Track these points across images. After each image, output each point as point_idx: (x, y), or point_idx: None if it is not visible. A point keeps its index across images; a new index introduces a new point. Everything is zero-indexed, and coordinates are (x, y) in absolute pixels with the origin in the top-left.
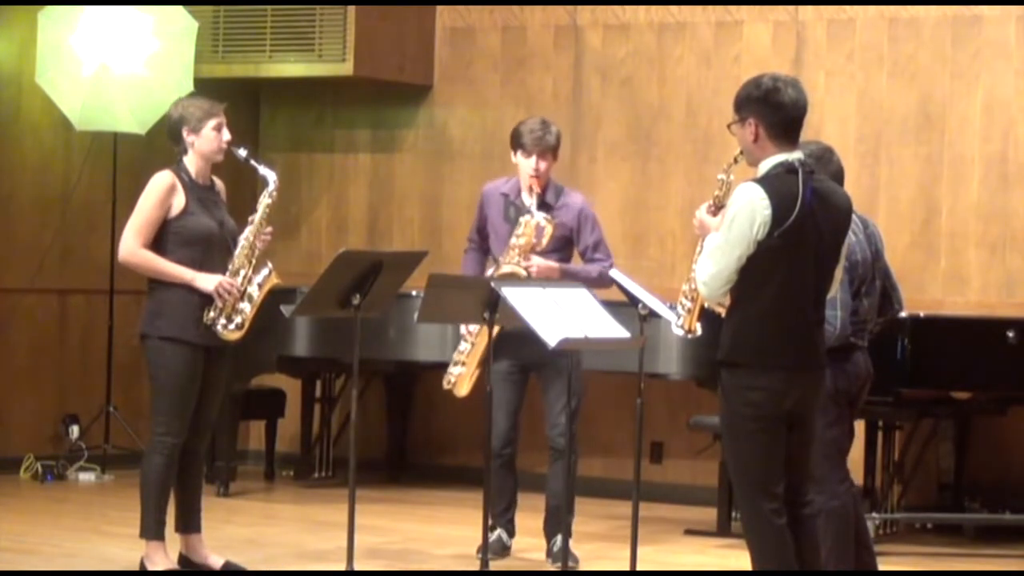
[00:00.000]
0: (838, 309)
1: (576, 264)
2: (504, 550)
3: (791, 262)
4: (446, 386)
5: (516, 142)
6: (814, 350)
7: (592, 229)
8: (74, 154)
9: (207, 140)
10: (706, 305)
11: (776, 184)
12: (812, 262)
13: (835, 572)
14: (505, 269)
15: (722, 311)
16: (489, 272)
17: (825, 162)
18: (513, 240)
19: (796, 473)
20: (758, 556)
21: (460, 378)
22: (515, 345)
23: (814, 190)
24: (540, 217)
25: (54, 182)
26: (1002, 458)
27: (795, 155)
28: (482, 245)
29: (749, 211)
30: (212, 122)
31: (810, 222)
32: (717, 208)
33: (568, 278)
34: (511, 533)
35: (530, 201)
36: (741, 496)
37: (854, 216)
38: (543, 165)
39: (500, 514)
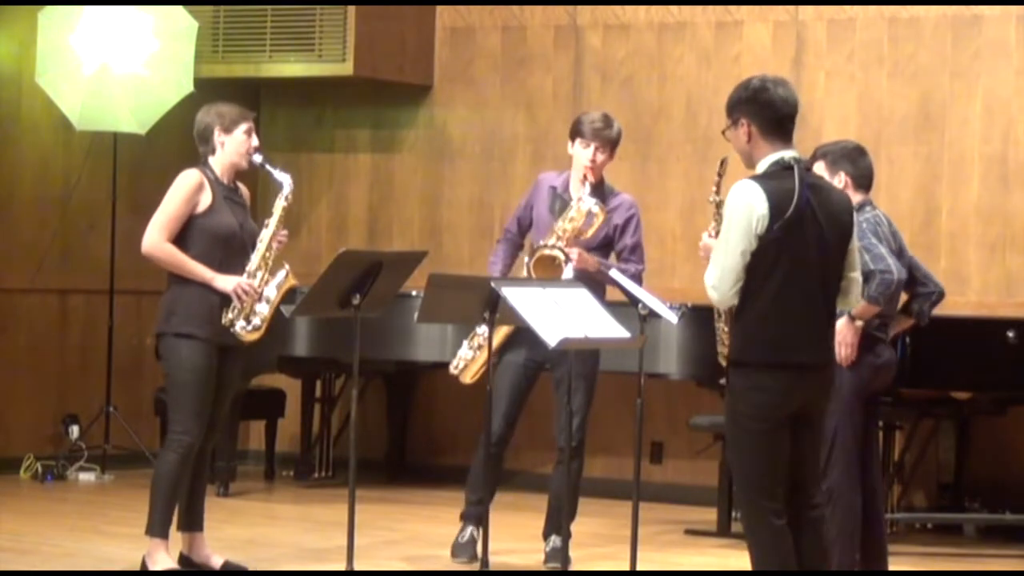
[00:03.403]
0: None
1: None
2: (475, 551)
3: (793, 255)
4: (453, 370)
5: (575, 130)
6: (823, 347)
7: (634, 232)
8: (74, 154)
9: (237, 142)
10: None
11: (772, 180)
12: (817, 256)
13: (835, 572)
14: (546, 252)
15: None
16: (527, 259)
17: (852, 160)
18: (559, 223)
19: (804, 474)
20: (757, 556)
21: (469, 364)
22: (534, 339)
23: (811, 185)
24: (591, 203)
25: (54, 182)
26: (1002, 458)
27: (790, 153)
28: (516, 238)
29: (746, 207)
30: (244, 125)
31: (809, 214)
32: (718, 233)
33: (604, 276)
34: (483, 528)
35: (581, 191)
36: (742, 496)
37: (877, 212)
38: (600, 157)
39: (473, 504)
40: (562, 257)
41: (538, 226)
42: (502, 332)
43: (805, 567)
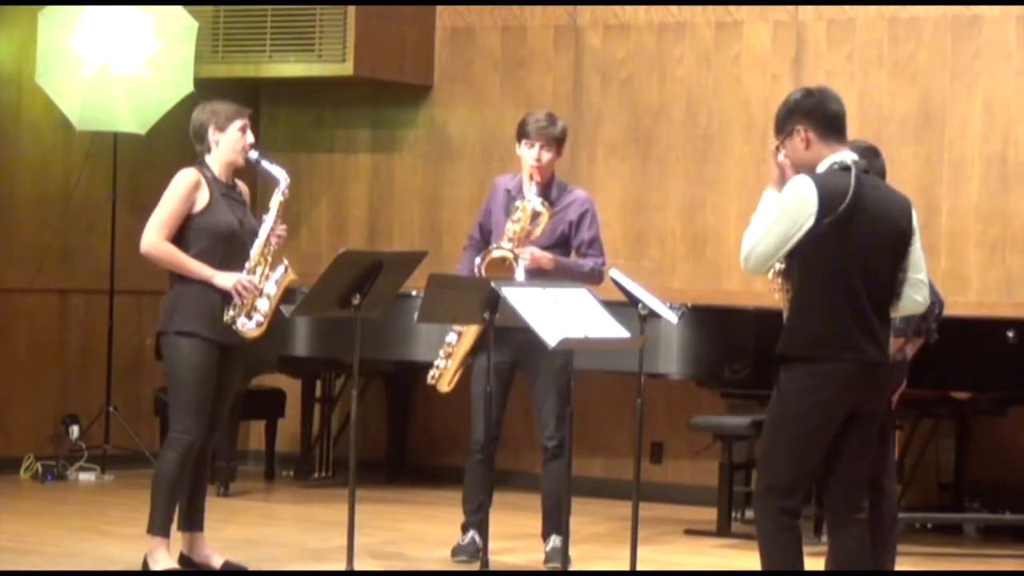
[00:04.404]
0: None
1: (571, 258)
2: (477, 552)
3: (840, 252)
4: (430, 380)
5: (521, 131)
6: (874, 346)
7: (590, 226)
8: (74, 154)
9: (232, 139)
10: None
11: (828, 178)
12: (866, 256)
13: (837, 572)
14: (495, 254)
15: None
16: (476, 261)
17: (866, 160)
18: (508, 225)
19: (854, 478)
20: (765, 554)
21: (443, 372)
22: (502, 340)
23: (868, 186)
24: (536, 202)
25: (54, 182)
26: (1002, 458)
27: (850, 155)
28: (480, 244)
29: (798, 199)
30: (238, 122)
31: (862, 214)
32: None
33: (561, 270)
34: (484, 533)
35: (530, 190)
36: (760, 489)
37: None
38: (545, 156)
39: (473, 512)
40: (511, 257)
41: (495, 230)
42: (469, 337)
43: (845, 567)
